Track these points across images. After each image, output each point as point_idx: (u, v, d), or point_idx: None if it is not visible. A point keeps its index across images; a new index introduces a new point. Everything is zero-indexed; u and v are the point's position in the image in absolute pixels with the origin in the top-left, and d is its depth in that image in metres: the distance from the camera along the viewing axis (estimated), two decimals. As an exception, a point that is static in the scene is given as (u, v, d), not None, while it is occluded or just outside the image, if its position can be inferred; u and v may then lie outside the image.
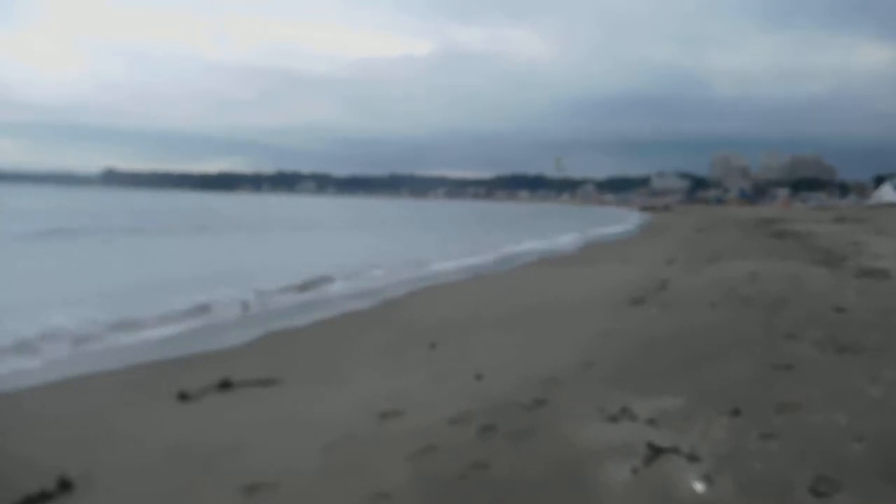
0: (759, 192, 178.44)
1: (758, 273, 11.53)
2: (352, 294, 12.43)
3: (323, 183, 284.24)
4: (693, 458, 3.71)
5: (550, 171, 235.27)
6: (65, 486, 3.95)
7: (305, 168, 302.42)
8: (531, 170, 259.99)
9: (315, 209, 78.80)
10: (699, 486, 3.43)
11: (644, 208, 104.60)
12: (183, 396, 5.72)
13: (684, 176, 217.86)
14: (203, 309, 10.00)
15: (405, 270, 15.95)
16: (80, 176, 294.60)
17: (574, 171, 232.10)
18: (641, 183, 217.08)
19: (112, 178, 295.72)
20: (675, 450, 3.81)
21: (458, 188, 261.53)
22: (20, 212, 43.66)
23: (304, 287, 12.73)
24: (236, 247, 25.75)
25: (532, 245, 25.35)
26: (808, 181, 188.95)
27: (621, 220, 52.76)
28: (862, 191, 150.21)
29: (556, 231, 34.52)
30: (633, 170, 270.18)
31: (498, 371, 6.04)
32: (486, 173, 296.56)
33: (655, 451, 3.81)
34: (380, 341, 7.91)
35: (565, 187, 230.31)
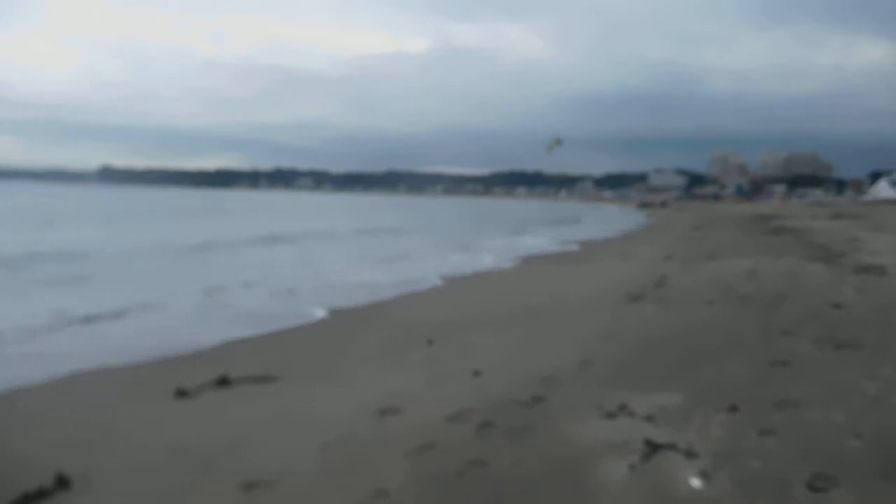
0: (755, 188, 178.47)
1: (755, 270, 11.55)
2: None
3: (320, 180, 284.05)
4: (690, 454, 3.72)
5: (548, 168, 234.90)
6: (62, 483, 3.94)
7: (303, 165, 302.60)
8: (529, 166, 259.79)
9: (366, 208, 78.38)
10: (696, 483, 3.44)
11: (642, 205, 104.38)
12: (181, 393, 5.72)
13: (682, 172, 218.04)
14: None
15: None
16: (76, 173, 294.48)
17: (572, 167, 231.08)
18: (639, 179, 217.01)
19: (108, 175, 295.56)
20: (672, 446, 3.82)
21: (455, 185, 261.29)
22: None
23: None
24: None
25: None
26: (804, 178, 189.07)
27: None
28: (858, 187, 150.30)
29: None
30: (631, 166, 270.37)
31: (496, 369, 6.05)
32: (483, 170, 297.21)
33: (653, 448, 3.82)
34: (377, 339, 7.90)
35: (563, 184, 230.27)
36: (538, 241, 26.19)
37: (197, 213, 52.28)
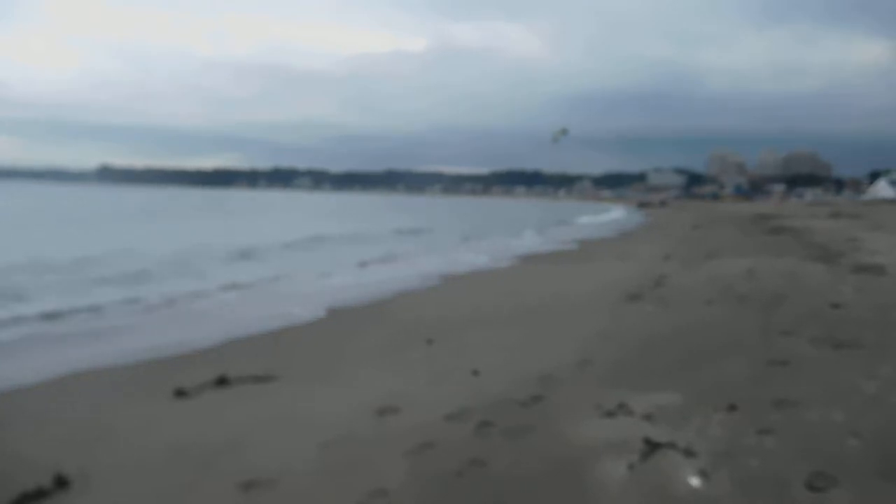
0: (754, 188, 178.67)
1: (754, 269, 11.57)
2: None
3: (319, 179, 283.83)
4: (689, 453, 3.72)
5: (547, 167, 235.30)
6: (61, 483, 3.93)
7: (301, 164, 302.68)
8: (528, 165, 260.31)
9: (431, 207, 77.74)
10: (695, 482, 3.44)
11: (641, 204, 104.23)
12: (180, 393, 5.71)
13: (680, 172, 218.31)
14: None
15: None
16: (75, 172, 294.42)
17: (570, 166, 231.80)
18: (638, 178, 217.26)
19: (107, 175, 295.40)
20: (671, 445, 3.82)
21: (454, 184, 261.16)
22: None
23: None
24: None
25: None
26: (803, 177, 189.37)
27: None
28: (857, 186, 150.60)
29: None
30: (630, 166, 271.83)
31: (495, 368, 6.05)
32: (482, 169, 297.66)
33: (652, 447, 3.82)
34: (376, 338, 7.90)
35: (562, 183, 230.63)
36: (541, 240, 26.40)
37: (212, 213, 52.17)
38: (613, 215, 60.36)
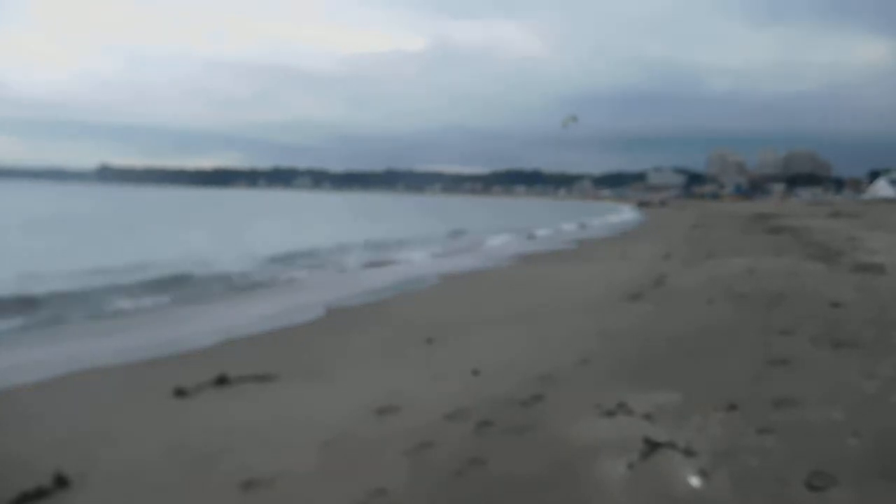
0: (754, 187, 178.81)
1: (754, 269, 11.56)
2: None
3: (319, 179, 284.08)
4: (689, 452, 3.72)
5: (546, 167, 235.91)
6: (61, 482, 3.94)
7: (301, 164, 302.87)
8: (528, 165, 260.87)
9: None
10: (695, 481, 3.44)
11: (641, 203, 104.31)
12: (179, 392, 5.71)
13: (680, 171, 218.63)
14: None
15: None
16: (75, 172, 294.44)
17: (570, 166, 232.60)
18: (638, 178, 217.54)
19: (107, 174, 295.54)
20: (671, 445, 3.82)
21: (454, 184, 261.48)
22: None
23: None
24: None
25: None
26: (803, 176, 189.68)
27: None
28: (856, 186, 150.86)
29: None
30: (630, 165, 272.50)
31: (495, 367, 6.05)
32: (482, 169, 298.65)
33: (652, 446, 3.82)
34: (376, 338, 7.90)
35: (562, 182, 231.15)
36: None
37: (240, 215, 51.50)
38: (625, 216, 58.62)
